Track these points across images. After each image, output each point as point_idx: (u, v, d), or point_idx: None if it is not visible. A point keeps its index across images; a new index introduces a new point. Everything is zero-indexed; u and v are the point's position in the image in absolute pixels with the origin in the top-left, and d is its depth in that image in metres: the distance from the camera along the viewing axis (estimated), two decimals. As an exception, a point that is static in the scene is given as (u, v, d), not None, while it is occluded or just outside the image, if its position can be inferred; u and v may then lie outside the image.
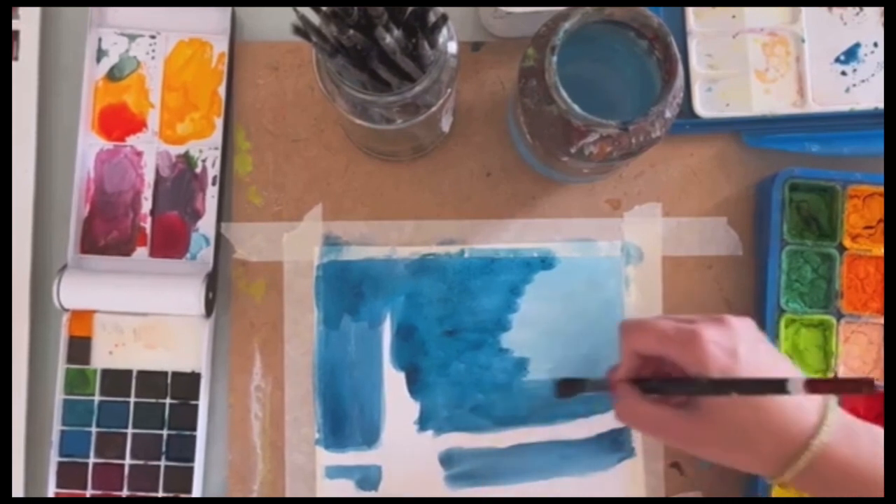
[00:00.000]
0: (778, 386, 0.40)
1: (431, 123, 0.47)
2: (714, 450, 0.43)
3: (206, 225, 0.54)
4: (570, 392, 0.51)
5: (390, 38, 0.39)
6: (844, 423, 0.41)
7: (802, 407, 0.41)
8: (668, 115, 0.44)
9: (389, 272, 0.54)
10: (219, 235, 0.53)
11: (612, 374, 0.47)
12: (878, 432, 0.41)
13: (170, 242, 0.54)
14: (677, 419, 0.43)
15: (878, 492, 0.40)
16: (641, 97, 0.44)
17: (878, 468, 0.40)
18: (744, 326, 0.44)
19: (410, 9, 0.40)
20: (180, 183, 0.54)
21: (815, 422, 0.41)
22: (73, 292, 0.51)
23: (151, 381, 0.52)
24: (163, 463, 0.52)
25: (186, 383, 0.52)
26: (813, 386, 0.39)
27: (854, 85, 0.54)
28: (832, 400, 0.42)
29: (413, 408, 0.54)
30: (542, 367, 0.54)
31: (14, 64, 0.53)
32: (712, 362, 0.42)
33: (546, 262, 0.54)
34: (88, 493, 0.52)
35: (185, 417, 0.52)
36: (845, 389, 0.45)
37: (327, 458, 0.54)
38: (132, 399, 0.52)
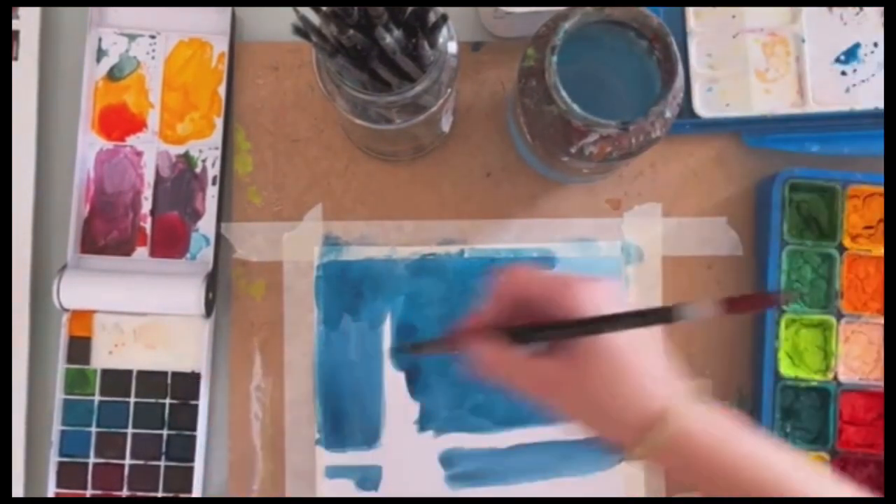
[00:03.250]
0: (662, 315, 0.35)
1: (431, 123, 0.47)
2: (573, 399, 0.38)
3: (206, 225, 0.54)
4: (410, 351, 0.52)
5: (390, 38, 0.39)
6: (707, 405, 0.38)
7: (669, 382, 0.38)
8: (668, 115, 0.44)
9: (389, 272, 0.54)
10: (219, 235, 0.53)
11: (464, 324, 0.41)
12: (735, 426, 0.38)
13: (170, 242, 0.54)
14: (540, 363, 0.39)
15: (731, 479, 0.36)
16: (641, 97, 0.44)
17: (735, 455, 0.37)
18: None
19: (410, 9, 0.40)
20: (180, 183, 0.54)
21: (680, 393, 0.38)
22: (73, 292, 0.51)
23: (151, 381, 0.52)
24: (163, 463, 0.52)
25: (186, 383, 0.52)
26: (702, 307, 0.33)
27: (854, 85, 0.54)
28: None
29: (413, 408, 0.54)
30: (542, 367, 0.54)
31: (14, 64, 0.53)
32: (589, 304, 0.37)
33: (546, 262, 0.54)
34: (88, 493, 0.52)
35: (185, 417, 0.52)
36: (744, 307, 0.36)
37: (327, 458, 0.54)
38: (132, 399, 0.52)
